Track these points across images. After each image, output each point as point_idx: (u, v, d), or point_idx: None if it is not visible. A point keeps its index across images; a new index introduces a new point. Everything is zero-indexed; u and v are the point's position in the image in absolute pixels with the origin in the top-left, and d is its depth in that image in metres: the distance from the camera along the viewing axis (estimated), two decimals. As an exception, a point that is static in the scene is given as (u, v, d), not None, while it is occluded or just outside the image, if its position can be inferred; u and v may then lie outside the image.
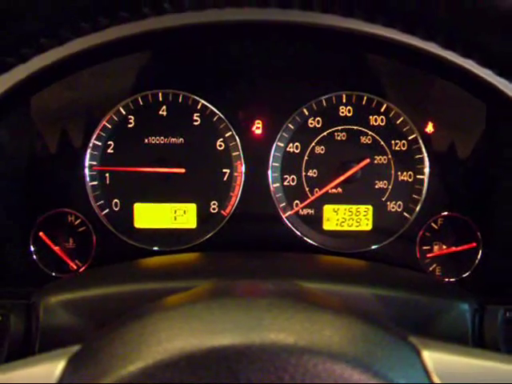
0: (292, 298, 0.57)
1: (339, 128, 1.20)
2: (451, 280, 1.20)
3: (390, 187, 1.21)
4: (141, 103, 1.19)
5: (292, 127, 1.20)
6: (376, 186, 1.21)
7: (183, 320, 0.50)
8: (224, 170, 1.21)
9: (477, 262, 1.19)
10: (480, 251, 1.19)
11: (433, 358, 0.52)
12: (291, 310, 0.52)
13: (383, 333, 0.53)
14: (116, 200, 1.21)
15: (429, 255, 1.21)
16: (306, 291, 0.64)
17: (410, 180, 1.21)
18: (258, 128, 1.20)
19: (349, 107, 1.20)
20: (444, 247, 1.21)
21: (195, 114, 1.20)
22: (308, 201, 1.21)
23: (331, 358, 0.46)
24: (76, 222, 1.21)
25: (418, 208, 1.20)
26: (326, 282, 0.93)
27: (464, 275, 1.20)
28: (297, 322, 0.50)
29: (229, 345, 0.46)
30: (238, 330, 0.48)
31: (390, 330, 0.54)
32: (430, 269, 1.21)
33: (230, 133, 1.20)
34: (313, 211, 1.22)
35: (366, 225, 1.21)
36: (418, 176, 1.20)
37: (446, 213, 1.20)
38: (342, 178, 1.19)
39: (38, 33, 0.51)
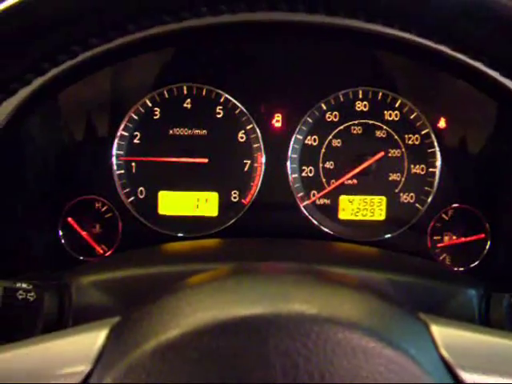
0: (314, 276, 0.62)
1: (355, 122, 1.24)
2: (460, 269, 1.23)
3: (403, 179, 1.24)
4: (166, 96, 1.23)
5: (310, 121, 1.24)
6: (390, 178, 1.24)
7: (216, 293, 0.55)
8: (245, 161, 1.25)
9: (485, 252, 1.22)
10: (488, 242, 1.22)
11: (440, 331, 0.55)
12: (314, 286, 0.56)
13: (396, 308, 0.58)
14: (141, 188, 1.25)
15: (439, 245, 1.24)
16: (326, 271, 0.69)
17: (422, 173, 1.24)
18: (277, 121, 1.24)
19: (365, 102, 1.23)
20: (454, 238, 1.24)
21: (218, 107, 1.24)
22: (325, 191, 1.25)
23: (350, 328, 0.50)
24: (103, 209, 1.25)
25: (429, 200, 1.24)
26: (341, 266, 0.97)
27: (472, 265, 1.23)
28: (320, 295, 0.54)
29: (259, 314, 0.50)
30: (266, 302, 0.52)
31: (403, 306, 0.59)
32: (440, 258, 1.24)
33: (251, 125, 1.24)
34: (329, 201, 1.25)
35: (380, 215, 1.25)
36: (430, 169, 1.23)
37: (456, 205, 1.23)
38: (357, 170, 1.23)
39: (88, 32, 0.56)
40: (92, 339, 0.54)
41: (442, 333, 0.56)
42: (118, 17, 0.55)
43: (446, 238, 1.25)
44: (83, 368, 0.51)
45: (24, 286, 0.90)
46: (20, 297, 0.89)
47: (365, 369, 0.49)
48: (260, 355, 0.48)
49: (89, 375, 0.51)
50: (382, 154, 1.23)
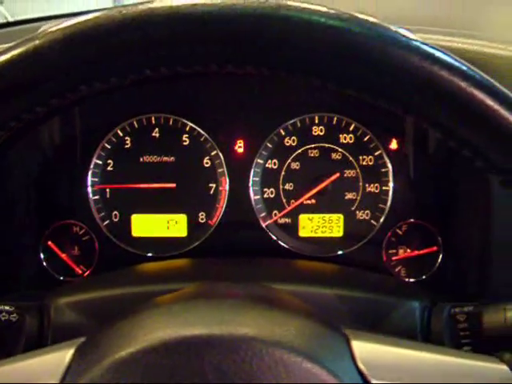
0: (252, 300, 0.71)
1: (312, 146, 1.32)
2: (413, 280, 1.31)
3: (358, 198, 1.32)
4: (136, 126, 1.32)
5: (270, 146, 1.32)
6: (346, 197, 1.32)
7: (164, 317, 0.64)
8: (210, 185, 1.33)
9: (437, 264, 1.30)
10: (440, 255, 1.30)
11: (359, 346, 0.63)
12: (248, 310, 0.66)
13: (319, 325, 0.66)
14: (115, 212, 1.33)
15: (394, 258, 1.32)
16: (266, 294, 0.78)
17: (376, 191, 1.32)
18: (240, 147, 1.32)
19: (321, 127, 1.32)
20: (408, 251, 1.32)
21: (184, 136, 1.32)
22: (285, 211, 1.33)
23: (273, 345, 0.59)
24: (81, 232, 1.33)
25: (383, 216, 1.32)
26: (294, 284, 1.05)
27: (425, 276, 1.31)
28: (250, 317, 0.63)
29: (197, 335, 0.59)
30: (204, 324, 0.61)
31: (327, 323, 0.67)
32: (396, 270, 1.32)
33: (215, 152, 1.32)
34: (290, 220, 1.33)
35: (338, 231, 1.33)
36: (384, 187, 1.32)
37: (409, 220, 1.32)
38: (315, 191, 1.31)
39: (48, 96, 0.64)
40: (61, 357, 0.63)
41: (361, 347, 0.63)
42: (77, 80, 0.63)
43: (401, 252, 1.33)
44: (53, 382, 0.60)
45: (7, 308, 0.97)
46: (3, 318, 0.96)
47: (286, 381, 0.57)
48: (197, 370, 0.57)
49: None
50: (337, 174, 1.31)
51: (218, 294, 0.74)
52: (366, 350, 0.64)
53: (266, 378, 0.57)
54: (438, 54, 0.60)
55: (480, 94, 0.61)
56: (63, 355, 0.63)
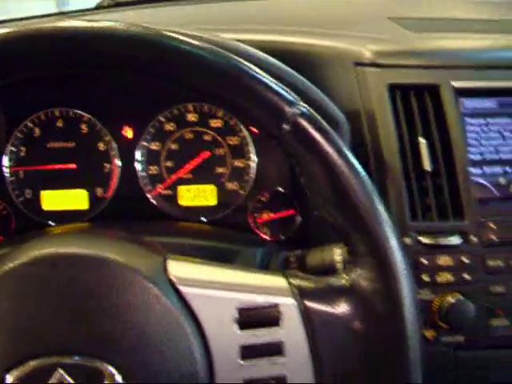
0: (113, 234, 0.92)
1: (188, 130, 1.57)
2: (276, 239, 1.56)
3: (227, 172, 1.57)
4: (43, 118, 1.56)
5: (153, 131, 1.57)
6: (217, 171, 1.58)
7: (43, 243, 0.82)
8: (105, 164, 1.57)
9: (296, 225, 1.56)
10: (298, 217, 1.56)
11: (173, 263, 0.79)
12: (103, 239, 0.85)
13: (146, 250, 0.83)
14: (28, 190, 1.57)
15: (259, 221, 1.57)
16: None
17: (242, 166, 1.57)
18: (127, 132, 1.57)
19: (194, 114, 1.57)
20: (271, 215, 1.57)
21: (83, 125, 1.57)
22: (166, 184, 1.58)
23: (105, 259, 0.79)
24: (0, 208, 1.58)
25: (249, 186, 1.57)
26: (170, 237, 1.33)
27: (285, 236, 1.57)
28: (95, 243, 0.83)
29: (55, 252, 0.81)
30: (64, 246, 0.82)
31: (154, 249, 0.84)
32: (262, 231, 1.57)
33: (108, 137, 1.57)
34: (170, 191, 1.58)
35: (212, 200, 1.58)
36: (248, 162, 1.57)
37: (271, 189, 1.57)
38: (190, 167, 1.57)
39: None
40: None
41: (174, 264, 0.79)
42: None
43: (265, 216, 1.58)
44: None
45: None
46: None
47: (107, 282, 0.77)
48: (53, 275, 0.77)
49: None
50: (208, 153, 1.57)
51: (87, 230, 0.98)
52: (178, 266, 0.79)
53: (96, 280, 0.79)
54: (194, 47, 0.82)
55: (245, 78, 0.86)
56: None
